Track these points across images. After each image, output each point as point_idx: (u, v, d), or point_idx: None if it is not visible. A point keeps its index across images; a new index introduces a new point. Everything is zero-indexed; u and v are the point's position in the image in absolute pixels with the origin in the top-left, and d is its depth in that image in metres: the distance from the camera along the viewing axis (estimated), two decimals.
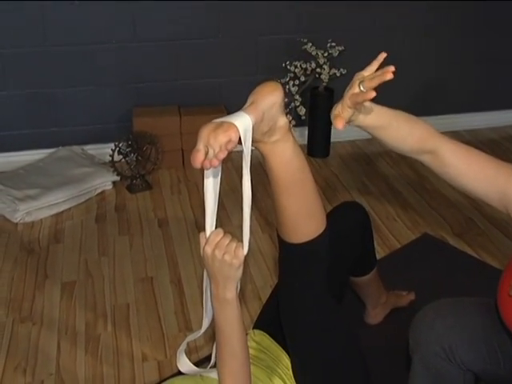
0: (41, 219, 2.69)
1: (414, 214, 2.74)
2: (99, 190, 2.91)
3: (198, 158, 1.13)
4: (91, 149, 3.14)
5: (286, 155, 1.29)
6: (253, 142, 1.21)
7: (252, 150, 1.20)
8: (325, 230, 1.40)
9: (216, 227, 1.27)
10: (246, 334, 1.64)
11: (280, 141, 1.25)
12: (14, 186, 2.78)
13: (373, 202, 2.84)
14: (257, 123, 1.18)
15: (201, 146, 1.14)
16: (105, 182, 2.92)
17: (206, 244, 1.25)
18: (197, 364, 1.51)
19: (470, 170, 1.25)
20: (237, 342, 1.29)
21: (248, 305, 2.18)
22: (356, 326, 2.02)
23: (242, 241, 1.25)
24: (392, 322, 2.08)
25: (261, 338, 1.57)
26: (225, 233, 1.26)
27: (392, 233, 2.61)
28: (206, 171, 1.22)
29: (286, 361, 1.51)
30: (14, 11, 2.78)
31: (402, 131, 1.27)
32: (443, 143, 1.26)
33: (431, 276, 2.32)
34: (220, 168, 1.24)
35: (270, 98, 1.22)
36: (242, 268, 1.25)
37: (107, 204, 2.83)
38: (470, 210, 2.79)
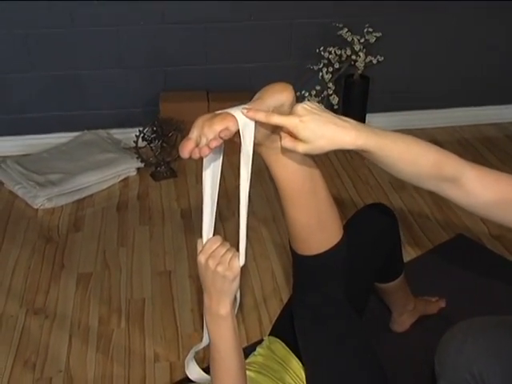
0: (62, 206, 2.62)
1: (449, 213, 2.59)
2: (123, 177, 2.83)
3: (186, 147, 1.04)
4: (117, 133, 3.07)
5: (292, 164, 1.18)
6: (254, 145, 1.11)
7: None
8: (340, 241, 1.30)
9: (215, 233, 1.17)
10: (262, 340, 1.56)
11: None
12: (37, 171, 2.73)
13: (406, 198, 2.70)
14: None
15: (193, 134, 1.05)
16: (129, 168, 2.84)
17: (200, 252, 1.15)
18: (208, 369, 1.43)
19: (501, 199, 1.05)
20: (232, 361, 1.18)
21: (267, 304, 2.09)
22: (381, 333, 1.92)
23: (238, 250, 1.15)
24: (419, 330, 1.96)
25: (276, 346, 1.48)
26: (222, 241, 1.15)
27: (424, 232, 2.47)
28: (204, 164, 1.12)
29: (302, 373, 1.41)
30: None
31: (412, 150, 1.05)
32: (467, 169, 1.06)
33: (465, 281, 2.18)
34: (220, 162, 1.15)
35: (277, 97, 1.12)
36: (237, 282, 1.15)
37: (130, 191, 2.75)
38: None
